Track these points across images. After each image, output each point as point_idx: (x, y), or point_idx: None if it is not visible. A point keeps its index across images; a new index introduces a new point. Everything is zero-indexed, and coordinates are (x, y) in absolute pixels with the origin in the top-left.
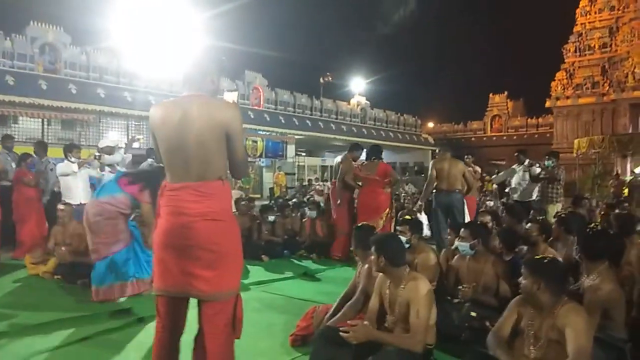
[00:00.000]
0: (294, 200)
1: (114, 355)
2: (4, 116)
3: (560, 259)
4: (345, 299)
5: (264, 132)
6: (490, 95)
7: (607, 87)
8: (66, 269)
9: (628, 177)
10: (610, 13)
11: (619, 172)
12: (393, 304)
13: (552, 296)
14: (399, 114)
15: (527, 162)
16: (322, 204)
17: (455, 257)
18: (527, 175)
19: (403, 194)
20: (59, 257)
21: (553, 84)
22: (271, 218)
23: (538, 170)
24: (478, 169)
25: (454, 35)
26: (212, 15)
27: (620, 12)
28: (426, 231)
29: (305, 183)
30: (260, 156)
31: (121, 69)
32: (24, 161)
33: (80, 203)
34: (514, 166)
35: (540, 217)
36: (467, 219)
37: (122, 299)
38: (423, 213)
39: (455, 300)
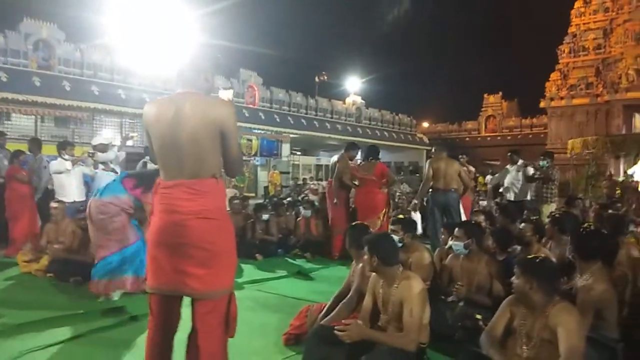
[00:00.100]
0: (288, 199)
1: (107, 354)
2: None
3: (553, 258)
4: (339, 298)
5: (258, 131)
6: (485, 95)
7: (601, 88)
8: (59, 266)
9: (621, 178)
10: (604, 15)
11: (612, 172)
12: (386, 303)
13: (545, 296)
14: (394, 114)
15: (520, 162)
16: (316, 203)
17: (449, 256)
18: (520, 175)
19: (398, 193)
20: (52, 253)
21: (547, 84)
22: (265, 217)
23: (532, 170)
24: (472, 168)
25: (449, 35)
26: (207, 12)
27: (614, 13)
28: (419, 229)
29: (300, 182)
30: (255, 155)
31: (115, 66)
32: (16, 158)
33: (74, 201)
34: (507, 166)
35: (534, 217)
36: (464, 218)
37: (116, 297)
38: (417, 212)
39: (449, 299)
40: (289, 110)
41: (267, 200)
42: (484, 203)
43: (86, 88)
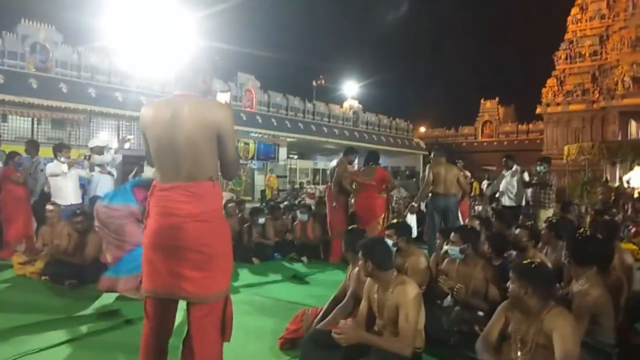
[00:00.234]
0: (285, 202)
1: (102, 357)
2: None
3: (549, 264)
4: (335, 302)
5: (256, 134)
6: (482, 100)
7: (597, 95)
8: (54, 269)
9: (615, 184)
10: (600, 21)
11: (608, 178)
12: (382, 308)
13: (540, 301)
14: (391, 118)
15: (515, 167)
16: (313, 207)
17: (445, 261)
18: (514, 180)
19: (395, 198)
20: (50, 252)
21: (544, 90)
22: (261, 220)
23: (527, 177)
24: (468, 173)
25: (447, 41)
26: (205, 15)
27: (610, 20)
28: (414, 233)
29: (297, 186)
30: (252, 158)
31: (113, 69)
32: (11, 159)
33: (71, 203)
34: (503, 172)
35: (530, 223)
36: (462, 223)
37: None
38: (414, 214)
39: (445, 304)
40: (287, 114)
41: (263, 204)
42: (479, 208)
43: (83, 90)
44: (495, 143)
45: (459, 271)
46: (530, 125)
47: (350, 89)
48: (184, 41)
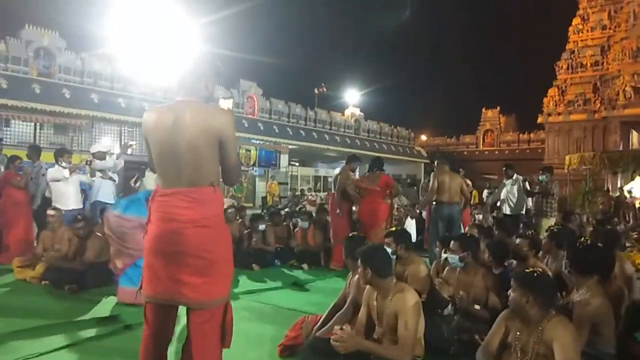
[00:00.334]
0: (286, 209)
1: None
2: None
3: (550, 273)
4: (335, 309)
5: (257, 141)
6: (483, 110)
7: (599, 105)
8: (54, 274)
9: (616, 193)
10: (602, 32)
11: (610, 188)
12: (381, 315)
13: (541, 310)
14: (392, 126)
15: (515, 176)
16: (314, 214)
17: (446, 269)
18: (515, 189)
19: (396, 206)
20: (48, 261)
21: (545, 100)
22: (262, 227)
23: (527, 186)
24: (469, 182)
25: (448, 50)
26: (208, 22)
27: (611, 31)
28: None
29: (298, 193)
30: (254, 165)
31: (116, 75)
32: (12, 163)
33: (72, 209)
34: (503, 181)
35: (530, 232)
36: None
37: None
38: (413, 219)
39: (446, 313)
40: (288, 121)
41: (264, 211)
42: (480, 216)
43: (86, 96)
44: (496, 152)
45: (459, 279)
46: (532, 135)
47: (352, 97)
48: (187, 48)
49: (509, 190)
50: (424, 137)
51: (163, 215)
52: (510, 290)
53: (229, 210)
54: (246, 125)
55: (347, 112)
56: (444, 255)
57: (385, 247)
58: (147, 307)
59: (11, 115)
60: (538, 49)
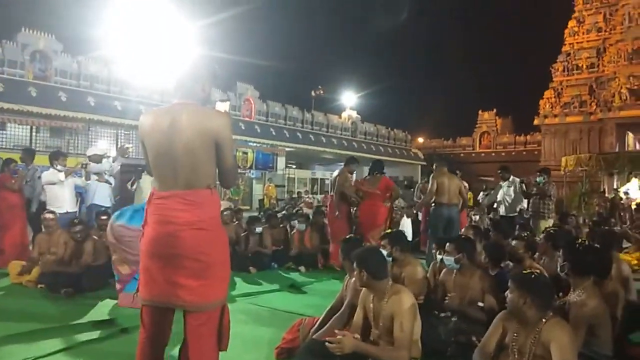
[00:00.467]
0: (283, 212)
1: None
2: None
3: (546, 274)
4: (332, 311)
5: (254, 144)
6: (480, 112)
7: (595, 107)
8: (50, 278)
9: (612, 195)
10: (597, 34)
11: (606, 190)
12: (377, 317)
13: (538, 311)
14: (389, 129)
15: (511, 178)
16: (310, 217)
17: (443, 271)
18: (511, 191)
19: (394, 208)
20: (44, 266)
21: (541, 102)
22: (259, 229)
23: (524, 187)
24: (465, 184)
25: (445, 53)
26: (205, 25)
27: (607, 33)
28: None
29: (295, 195)
30: (251, 168)
31: (112, 78)
32: (7, 166)
33: (67, 212)
34: (500, 182)
35: (526, 234)
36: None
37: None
38: (409, 219)
39: (442, 315)
40: (285, 124)
41: (261, 214)
42: (477, 217)
43: (82, 99)
44: (493, 154)
45: (455, 281)
46: (528, 137)
47: (349, 99)
48: (184, 50)
49: (506, 192)
50: (420, 140)
51: (159, 218)
52: (507, 292)
53: (226, 213)
54: (243, 127)
55: (344, 115)
56: (439, 257)
57: (381, 249)
58: (144, 310)
59: (7, 119)
60: (534, 51)
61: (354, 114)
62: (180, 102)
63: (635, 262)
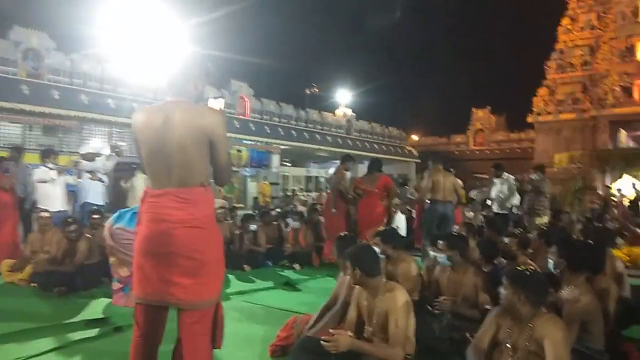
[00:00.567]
0: (277, 210)
1: None
2: None
3: (539, 271)
4: (327, 309)
5: (249, 142)
6: (474, 109)
7: (588, 104)
8: (43, 277)
9: (602, 192)
10: (591, 32)
11: (599, 187)
12: (371, 314)
13: (532, 308)
14: (384, 126)
15: (505, 175)
16: (305, 214)
17: (438, 268)
18: (504, 188)
19: None
20: (37, 263)
21: (535, 99)
22: (253, 227)
23: (517, 184)
24: (460, 182)
25: (439, 50)
26: (199, 23)
27: (600, 31)
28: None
29: (290, 193)
30: (245, 166)
31: (105, 76)
32: None
33: (59, 210)
34: (493, 179)
35: (519, 230)
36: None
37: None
38: (403, 214)
39: (437, 312)
40: (280, 122)
41: (256, 211)
42: (470, 215)
43: (75, 97)
44: (487, 151)
45: (449, 278)
46: (522, 134)
47: (343, 97)
48: (177, 48)
49: (499, 189)
50: (415, 137)
51: (153, 216)
52: (501, 288)
53: (220, 211)
54: (237, 125)
55: (339, 112)
56: (432, 254)
57: (373, 246)
58: (137, 309)
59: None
60: (528, 49)
61: (349, 112)
62: (173, 100)
63: (626, 258)
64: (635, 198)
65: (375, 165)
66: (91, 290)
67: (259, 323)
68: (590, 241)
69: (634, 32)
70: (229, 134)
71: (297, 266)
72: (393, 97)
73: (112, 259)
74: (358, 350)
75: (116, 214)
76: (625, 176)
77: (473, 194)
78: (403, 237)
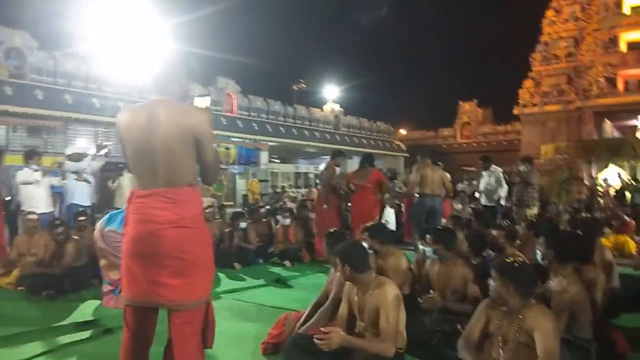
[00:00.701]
0: (267, 207)
1: None
2: None
3: (527, 262)
4: (318, 306)
5: (236, 139)
6: (460, 103)
7: (573, 95)
8: (30, 280)
9: (588, 182)
10: (575, 24)
11: (585, 177)
12: (362, 310)
13: (521, 299)
14: (371, 121)
15: (493, 167)
16: (294, 211)
17: (428, 261)
18: (492, 180)
19: None
20: (24, 266)
21: (521, 92)
22: (243, 225)
23: (505, 176)
24: (448, 175)
25: (425, 44)
26: (184, 21)
27: (584, 22)
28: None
29: (279, 190)
30: (233, 163)
31: (90, 75)
32: None
33: (43, 212)
34: (482, 172)
35: (506, 222)
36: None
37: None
38: (392, 209)
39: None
40: (267, 118)
41: (245, 209)
42: (458, 207)
43: (59, 97)
44: (474, 144)
45: (439, 271)
46: (508, 126)
47: (331, 93)
48: (162, 47)
49: (487, 182)
50: (403, 131)
51: (140, 217)
52: (490, 280)
53: (208, 210)
54: (225, 123)
55: (327, 108)
56: (421, 248)
57: (363, 242)
58: (127, 310)
59: None
60: (513, 41)
61: (337, 107)
62: (157, 99)
63: (610, 245)
64: (621, 187)
65: (368, 160)
66: (80, 293)
67: (250, 321)
68: (578, 231)
69: (617, 24)
70: (216, 132)
71: (287, 263)
72: (381, 92)
73: (102, 262)
74: (350, 345)
75: (107, 216)
76: (611, 166)
77: (460, 186)
78: (392, 231)
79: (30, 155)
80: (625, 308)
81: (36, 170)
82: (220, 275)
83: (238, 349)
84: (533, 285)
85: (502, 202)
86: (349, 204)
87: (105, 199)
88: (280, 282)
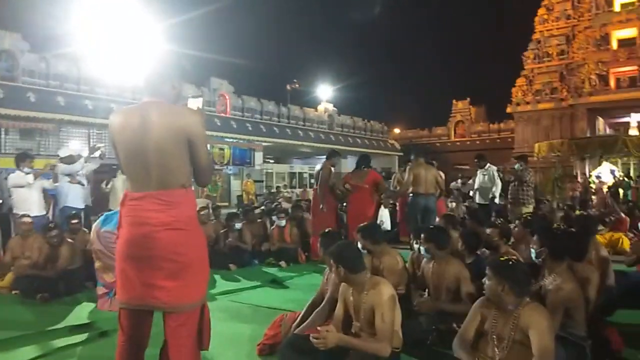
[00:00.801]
0: (262, 207)
1: None
2: None
3: (522, 260)
4: (313, 306)
5: (230, 140)
6: (454, 101)
7: (566, 93)
8: (25, 283)
9: (581, 180)
10: (566, 21)
11: (578, 174)
12: (358, 310)
13: (516, 297)
14: (365, 120)
15: (487, 165)
16: (290, 211)
17: (423, 260)
18: (486, 178)
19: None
20: (18, 269)
21: (514, 90)
22: (238, 225)
23: (500, 175)
24: (442, 174)
25: (419, 43)
26: (177, 22)
27: (576, 20)
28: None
29: (274, 190)
30: (228, 164)
31: (82, 77)
32: None
33: (36, 215)
34: (477, 170)
35: (500, 220)
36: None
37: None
38: (387, 209)
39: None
40: (261, 119)
41: (240, 210)
42: (452, 205)
43: (52, 99)
44: (467, 142)
45: (433, 270)
46: (502, 125)
47: (325, 93)
48: (155, 48)
49: (482, 180)
50: (397, 130)
51: (134, 220)
52: (484, 279)
53: (202, 212)
54: (219, 123)
55: (320, 108)
56: (416, 247)
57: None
58: (122, 313)
59: None
60: (506, 40)
61: (331, 107)
62: (150, 101)
63: (604, 241)
64: (614, 184)
65: (364, 161)
66: (75, 296)
67: (246, 322)
68: (571, 229)
69: (609, 21)
70: (210, 132)
71: (283, 264)
72: (374, 92)
73: (97, 264)
74: (346, 345)
75: (102, 217)
76: (605, 163)
77: (453, 185)
78: (387, 230)
79: (22, 158)
80: (620, 305)
81: (28, 173)
82: (216, 276)
83: (234, 350)
84: (528, 283)
85: (496, 200)
86: (345, 204)
87: (99, 201)
88: (276, 282)
